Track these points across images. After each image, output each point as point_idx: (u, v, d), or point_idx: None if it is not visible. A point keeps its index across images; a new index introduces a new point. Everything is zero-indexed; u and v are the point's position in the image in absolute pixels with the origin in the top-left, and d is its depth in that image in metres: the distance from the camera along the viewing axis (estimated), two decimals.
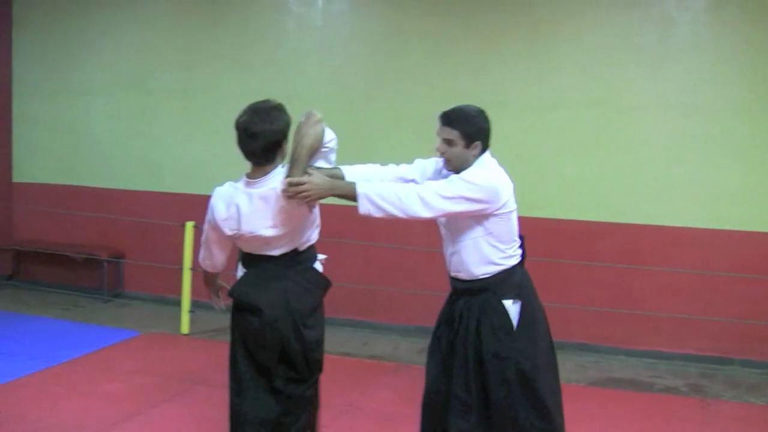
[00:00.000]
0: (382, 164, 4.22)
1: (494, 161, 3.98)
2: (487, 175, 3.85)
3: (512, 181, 3.96)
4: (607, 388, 6.76)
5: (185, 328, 8.00)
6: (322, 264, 4.33)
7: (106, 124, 9.43)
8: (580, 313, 7.52)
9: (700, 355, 7.42)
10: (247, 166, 4.07)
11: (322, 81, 8.43)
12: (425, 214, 3.78)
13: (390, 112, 8.18)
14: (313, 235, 4.23)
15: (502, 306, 3.94)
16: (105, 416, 5.60)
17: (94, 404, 5.84)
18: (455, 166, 3.92)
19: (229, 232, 4.09)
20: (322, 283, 4.30)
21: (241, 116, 3.98)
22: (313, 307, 4.26)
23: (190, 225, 7.88)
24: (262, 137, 3.91)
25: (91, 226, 9.47)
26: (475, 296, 3.98)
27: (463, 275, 4.01)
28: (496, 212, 3.86)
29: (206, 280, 4.54)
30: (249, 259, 4.22)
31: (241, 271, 4.27)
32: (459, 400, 4.00)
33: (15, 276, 9.93)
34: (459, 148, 3.89)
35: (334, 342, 7.43)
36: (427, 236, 7.65)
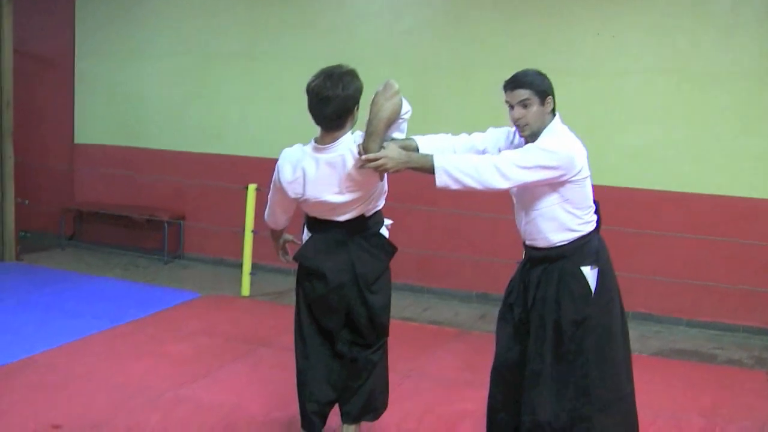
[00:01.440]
0: (453, 134, 4.19)
1: (566, 127, 3.93)
2: (562, 142, 3.81)
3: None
4: (669, 358, 6.70)
5: (246, 290, 8.05)
6: (388, 229, 4.32)
7: (168, 87, 9.49)
8: (644, 283, 7.43)
9: (765, 327, 7.31)
10: (313, 129, 4.06)
11: (387, 46, 8.37)
12: (503, 184, 3.76)
13: (456, 77, 8.09)
14: (380, 202, 4.22)
15: (581, 273, 3.90)
16: (172, 377, 5.65)
17: (160, 364, 5.90)
18: (533, 129, 3.86)
19: (293, 195, 4.09)
20: (388, 248, 4.29)
21: (313, 80, 3.93)
22: (379, 273, 4.26)
23: (252, 187, 7.89)
24: (334, 102, 3.87)
25: (152, 188, 9.55)
26: (552, 264, 3.94)
27: (539, 243, 3.97)
28: (572, 179, 3.82)
29: (272, 235, 4.56)
30: (314, 224, 4.22)
31: (307, 235, 4.28)
32: (532, 372, 3.98)
33: (76, 236, 10.06)
34: (536, 107, 3.83)
35: (395, 307, 7.32)
36: (489, 203, 7.58)
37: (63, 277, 8.44)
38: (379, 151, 3.78)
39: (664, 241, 7.48)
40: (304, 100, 3.94)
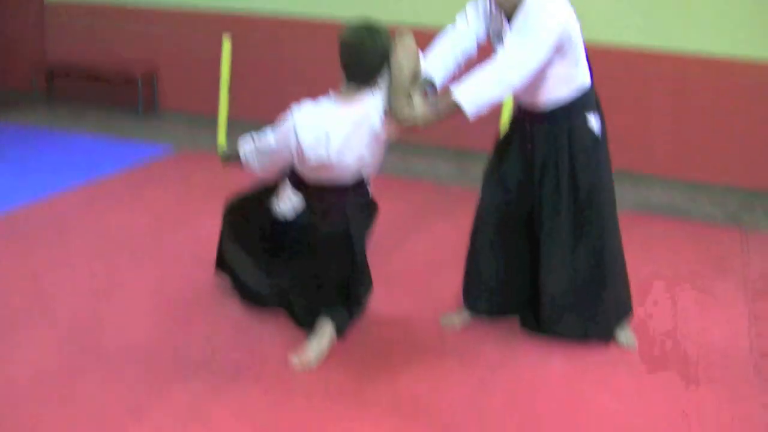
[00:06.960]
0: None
1: None
2: (551, 14, 3.55)
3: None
4: (644, 214, 6.78)
5: (223, 146, 7.98)
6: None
7: None
8: (621, 139, 7.40)
9: (739, 187, 7.40)
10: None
11: None
12: (526, 75, 3.53)
13: None
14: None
15: (587, 125, 3.89)
16: (154, 226, 5.68)
17: (141, 216, 5.91)
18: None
19: (315, 162, 3.77)
20: (375, 208, 4.19)
21: (351, 31, 3.71)
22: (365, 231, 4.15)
23: (227, 42, 7.72)
24: (376, 55, 3.67)
25: (124, 44, 9.34)
26: (560, 117, 3.89)
27: (543, 100, 3.89)
28: (569, 44, 3.70)
29: (233, 163, 4.31)
30: (309, 189, 3.99)
31: (291, 190, 4.05)
32: (548, 231, 4.02)
33: (49, 94, 9.88)
34: None
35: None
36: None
37: (37, 134, 8.32)
38: (407, 107, 3.58)
39: (642, 97, 7.48)
40: None
